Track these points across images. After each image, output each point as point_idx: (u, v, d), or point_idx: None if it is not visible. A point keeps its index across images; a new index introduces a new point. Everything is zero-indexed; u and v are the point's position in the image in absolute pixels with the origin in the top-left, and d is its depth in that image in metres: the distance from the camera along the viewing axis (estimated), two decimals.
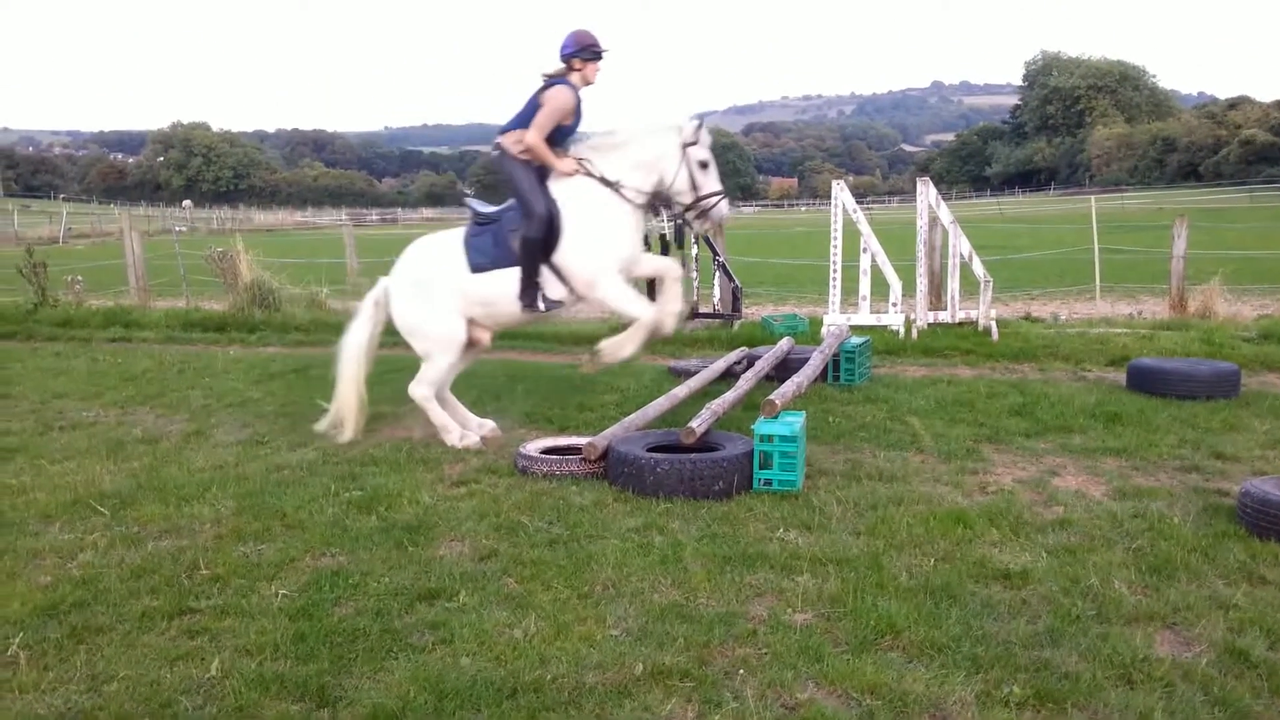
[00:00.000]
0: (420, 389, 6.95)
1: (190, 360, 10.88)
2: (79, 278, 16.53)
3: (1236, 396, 8.01)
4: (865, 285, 11.69)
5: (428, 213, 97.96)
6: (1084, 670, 3.46)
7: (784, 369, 8.42)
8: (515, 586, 4.28)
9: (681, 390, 7.40)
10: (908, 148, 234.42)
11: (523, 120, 6.65)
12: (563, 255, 6.57)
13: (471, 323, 6.91)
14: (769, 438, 5.61)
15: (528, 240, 6.49)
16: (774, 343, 9.70)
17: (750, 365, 8.44)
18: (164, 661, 3.64)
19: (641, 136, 6.64)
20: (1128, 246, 19.77)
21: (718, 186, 6.69)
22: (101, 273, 20.44)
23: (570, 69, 6.67)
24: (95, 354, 11.50)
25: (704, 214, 6.73)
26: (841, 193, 11.95)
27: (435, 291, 6.81)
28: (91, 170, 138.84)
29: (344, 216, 76.82)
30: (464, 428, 7.02)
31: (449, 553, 4.72)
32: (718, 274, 13.50)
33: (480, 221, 6.80)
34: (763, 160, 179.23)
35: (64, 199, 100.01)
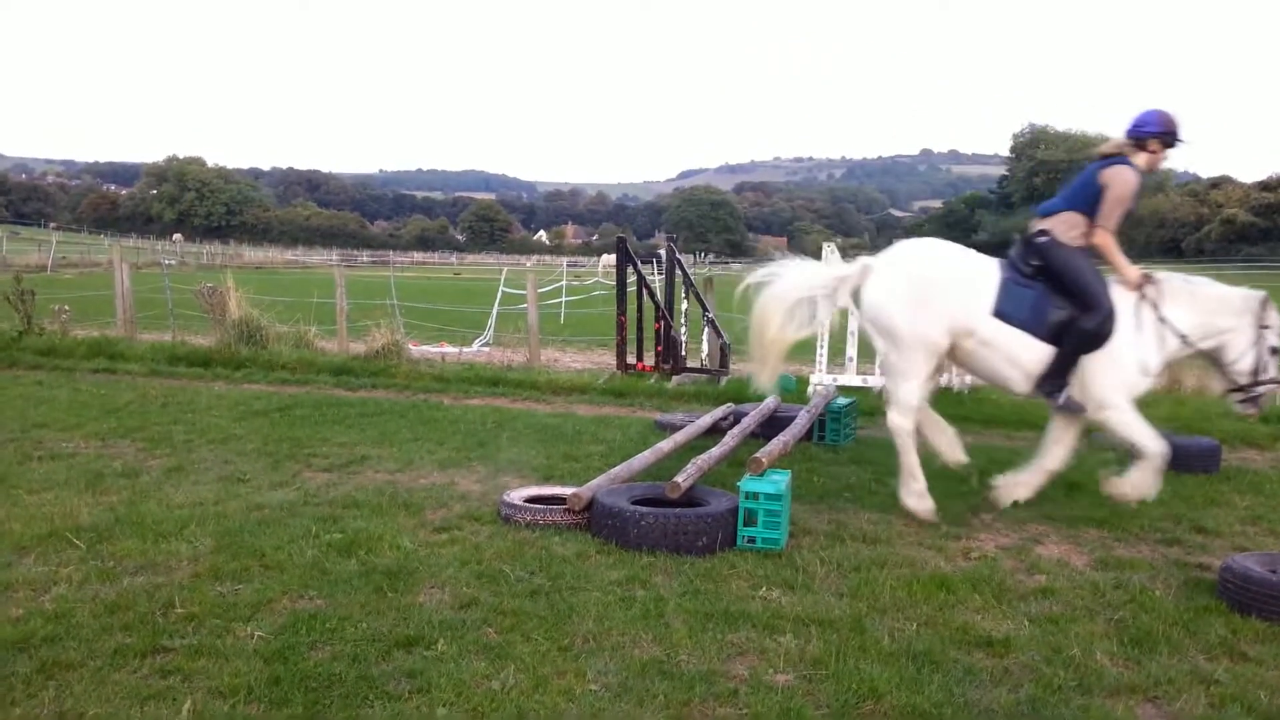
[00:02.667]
0: (898, 417, 6.44)
1: (174, 395, 10.82)
2: (66, 307, 16.46)
3: (1217, 471, 8.06)
4: (852, 347, 11.76)
5: (418, 256, 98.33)
6: None
7: (770, 426, 8.43)
8: (495, 637, 4.24)
9: (667, 444, 7.40)
10: (896, 213, 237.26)
11: (1074, 201, 6.25)
12: (1093, 362, 6.16)
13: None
14: (754, 495, 5.61)
15: (1083, 331, 6.03)
16: (760, 400, 9.72)
17: (736, 422, 8.45)
18: (135, 700, 3.58)
19: (1221, 297, 6.26)
20: None
21: (1278, 374, 6.26)
22: (88, 303, 20.36)
23: (1139, 148, 6.19)
24: (78, 384, 11.42)
25: (1252, 400, 6.33)
26: (832, 254, 12.07)
27: (937, 298, 6.21)
28: (83, 200, 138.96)
29: (335, 257, 76.99)
30: (954, 451, 6.67)
31: (429, 600, 4.67)
32: (707, 329, 13.57)
33: (1025, 272, 6.31)
34: (753, 219, 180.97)
35: (54, 227, 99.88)
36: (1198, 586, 5.16)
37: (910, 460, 6.46)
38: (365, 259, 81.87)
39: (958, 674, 3.99)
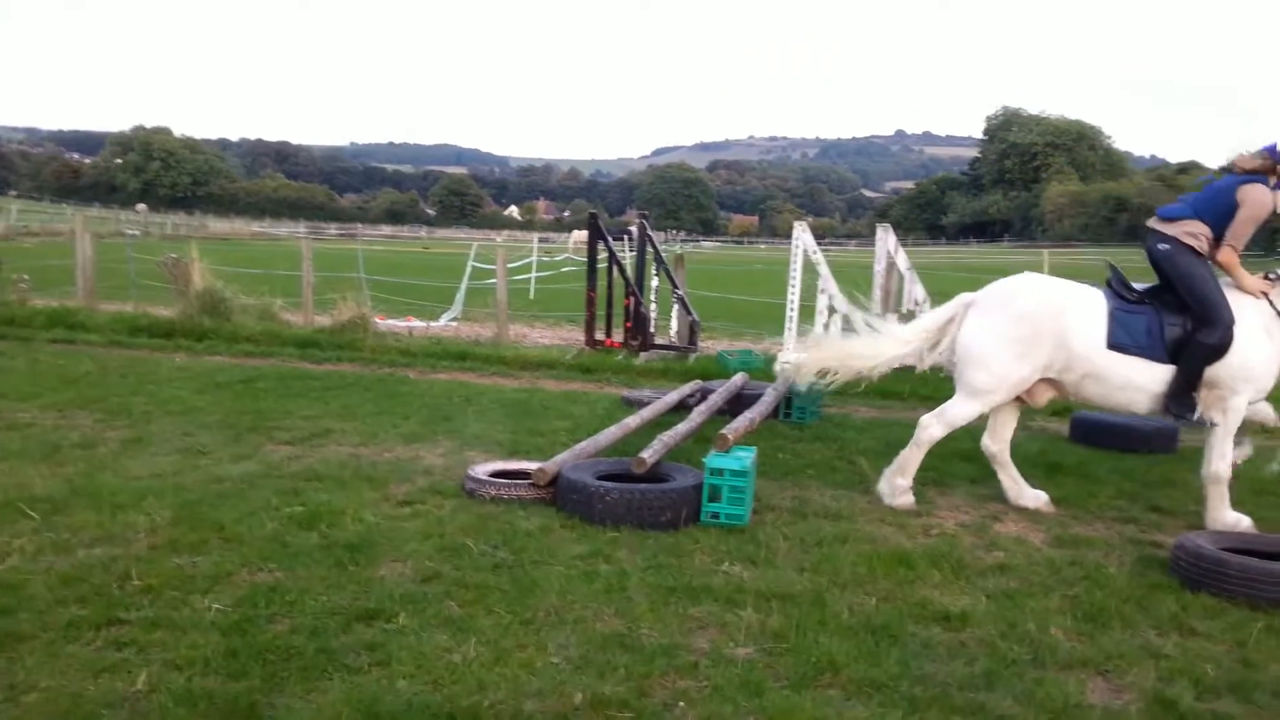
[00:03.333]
0: (936, 425, 6.35)
1: (134, 366, 10.67)
2: (25, 276, 16.17)
3: (1174, 452, 8.19)
4: (820, 325, 11.79)
5: (387, 230, 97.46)
6: (1018, 714, 3.50)
7: (737, 404, 8.46)
8: (457, 610, 4.23)
9: (634, 420, 7.40)
10: (868, 193, 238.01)
11: (1202, 211, 6.10)
12: (1216, 372, 5.96)
13: (1045, 383, 6.30)
14: (719, 471, 5.63)
15: (1204, 346, 5.85)
16: (728, 377, 9.75)
17: (704, 399, 8.47)
18: (88, 673, 3.54)
19: None
20: None
21: None
22: (48, 272, 20.01)
23: (1276, 170, 6.03)
24: (36, 355, 11.23)
25: None
26: (803, 234, 12.09)
27: (1048, 339, 6.05)
28: (46, 168, 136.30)
29: (302, 229, 76.13)
30: (1018, 496, 6.43)
31: (390, 573, 4.65)
32: (676, 307, 13.57)
33: (1130, 299, 6.13)
34: (725, 197, 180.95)
35: (15, 195, 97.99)
36: (1151, 564, 5.25)
37: (914, 460, 6.37)
38: (333, 232, 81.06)
39: (915, 647, 4.04)
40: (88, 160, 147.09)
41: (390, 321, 15.72)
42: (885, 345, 6.58)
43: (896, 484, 6.35)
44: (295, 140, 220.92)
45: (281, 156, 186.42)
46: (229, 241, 54.81)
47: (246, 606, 4.16)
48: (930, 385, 10.90)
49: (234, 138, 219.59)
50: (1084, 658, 4.02)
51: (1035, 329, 6.06)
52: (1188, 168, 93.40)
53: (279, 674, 3.58)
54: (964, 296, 6.50)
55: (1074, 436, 8.62)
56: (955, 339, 6.40)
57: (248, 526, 5.19)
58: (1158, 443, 8.18)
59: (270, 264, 20.82)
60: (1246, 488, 7.12)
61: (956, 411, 6.36)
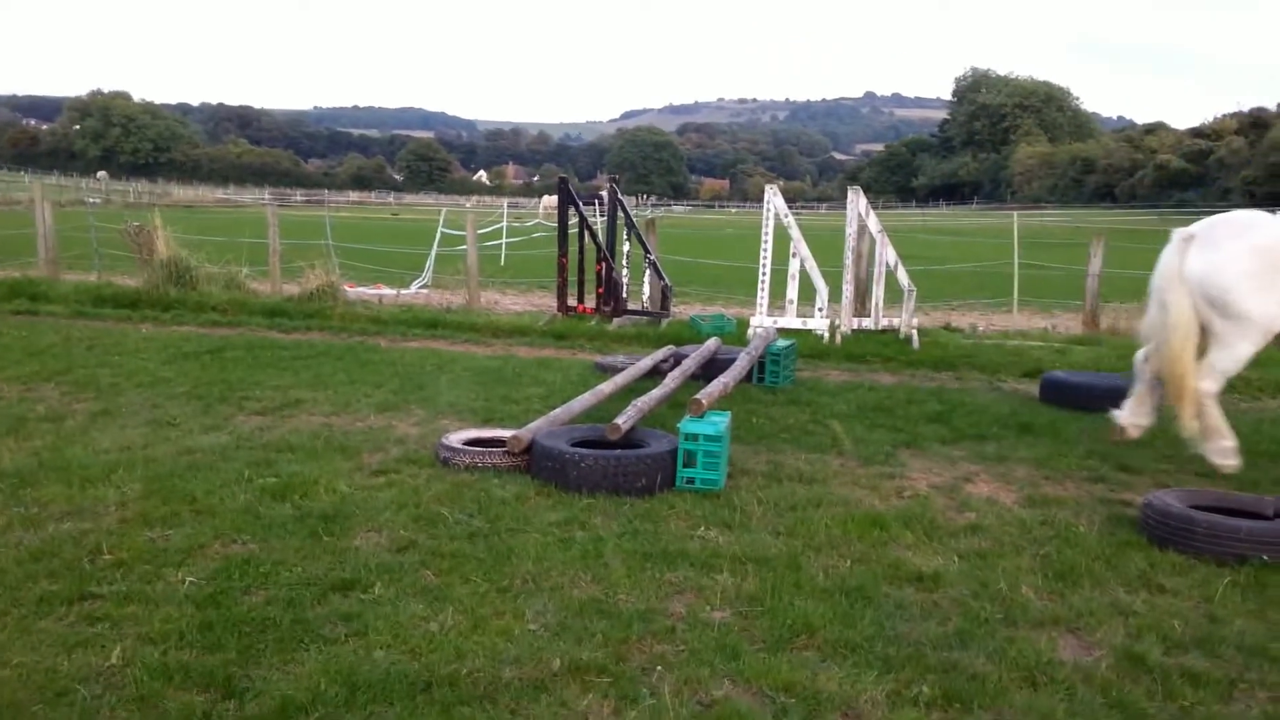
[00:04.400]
0: (1211, 381, 6.16)
1: (100, 337, 10.51)
2: None
3: None
4: (793, 289, 11.82)
5: (354, 195, 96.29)
6: (991, 672, 3.55)
7: (710, 369, 8.46)
8: (433, 579, 4.23)
9: (607, 386, 7.39)
10: (838, 155, 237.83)
11: None
12: None
13: None
14: (694, 436, 5.64)
15: None
16: (700, 342, 9.75)
17: (677, 364, 8.46)
18: (61, 648, 3.51)
19: None
20: (1045, 262, 20.33)
21: None
22: (7, 242, 19.64)
23: None
24: None
25: None
26: (774, 197, 12.07)
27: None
28: (2, 135, 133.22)
29: (267, 196, 75.05)
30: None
31: (365, 543, 4.64)
32: (648, 272, 13.53)
33: None
34: (696, 160, 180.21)
35: None
36: (1120, 522, 5.33)
37: (1217, 421, 6.29)
38: (299, 198, 79.99)
39: (889, 608, 4.09)
40: (45, 126, 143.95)
41: (360, 289, 15.59)
42: (1170, 306, 6.32)
43: (1223, 447, 6.31)
44: (258, 104, 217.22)
45: (244, 121, 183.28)
46: (193, 209, 53.94)
47: (220, 579, 4.13)
48: (892, 348, 10.98)
49: (195, 102, 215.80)
50: (1055, 615, 4.08)
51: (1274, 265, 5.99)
52: (1154, 129, 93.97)
53: (255, 646, 3.57)
54: (1183, 231, 6.40)
55: (1044, 397, 8.70)
56: (1192, 275, 6.24)
57: (220, 498, 5.15)
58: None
59: (236, 232, 20.53)
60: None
61: (1223, 362, 6.25)
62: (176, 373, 8.61)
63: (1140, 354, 6.72)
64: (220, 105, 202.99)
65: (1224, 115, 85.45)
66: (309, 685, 3.28)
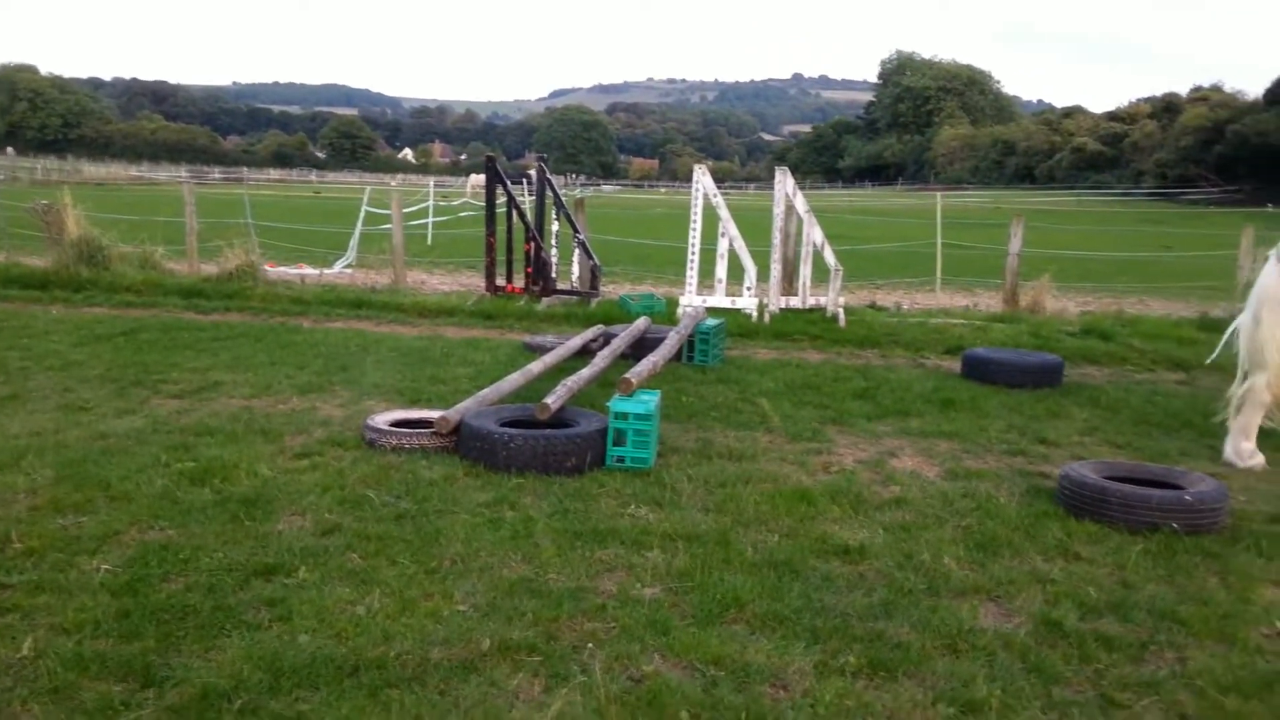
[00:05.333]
0: (1247, 444, 6.35)
1: (7, 319, 10.11)
2: None
3: (1059, 386, 8.54)
4: (722, 268, 11.88)
5: (275, 174, 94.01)
6: (914, 641, 3.62)
7: (640, 348, 8.47)
8: (359, 562, 4.16)
9: (537, 366, 7.35)
10: (766, 136, 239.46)
11: None
12: None
13: None
14: (624, 415, 5.64)
15: None
16: (630, 321, 9.75)
17: (607, 343, 8.46)
18: None
19: None
20: (967, 242, 20.75)
21: None
22: None
23: None
24: None
25: None
26: (703, 177, 12.09)
27: None
28: None
29: (184, 173, 72.86)
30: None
31: (289, 527, 4.54)
32: (577, 251, 13.47)
33: None
34: (625, 140, 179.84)
35: None
36: (1038, 493, 5.48)
37: (1254, 422, 6.40)
38: (217, 176, 77.79)
39: (816, 581, 4.15)
40: None
41: (281, 269, 15.23)
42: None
43: (1242, 447, 6.39)
44: (173, 80, 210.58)
45: (159, 97, 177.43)
46: (105, 187, 52.09)
47: (138, 566, 4.01)
48: (819, 326, 11.12)
49: (106, 77, 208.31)
50: (976, 585, 4.18)
51: None
52: (1072, 113, 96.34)
53: (174, 634, 3.48)
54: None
55: (966, 373, 8.90)
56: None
57: (136, 484, 5.00)
58: (1044, 377, 8.51)
59: (150, 210, 19.90)
60: (1127, 418, 7.49)
61: (1252, 419, 6.42)
62: (89, 355, 8.33)
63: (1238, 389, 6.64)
64: (134, 80, 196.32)
65: (1138, 100, 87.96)
66: (231, 672, 3.20)
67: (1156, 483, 5.24)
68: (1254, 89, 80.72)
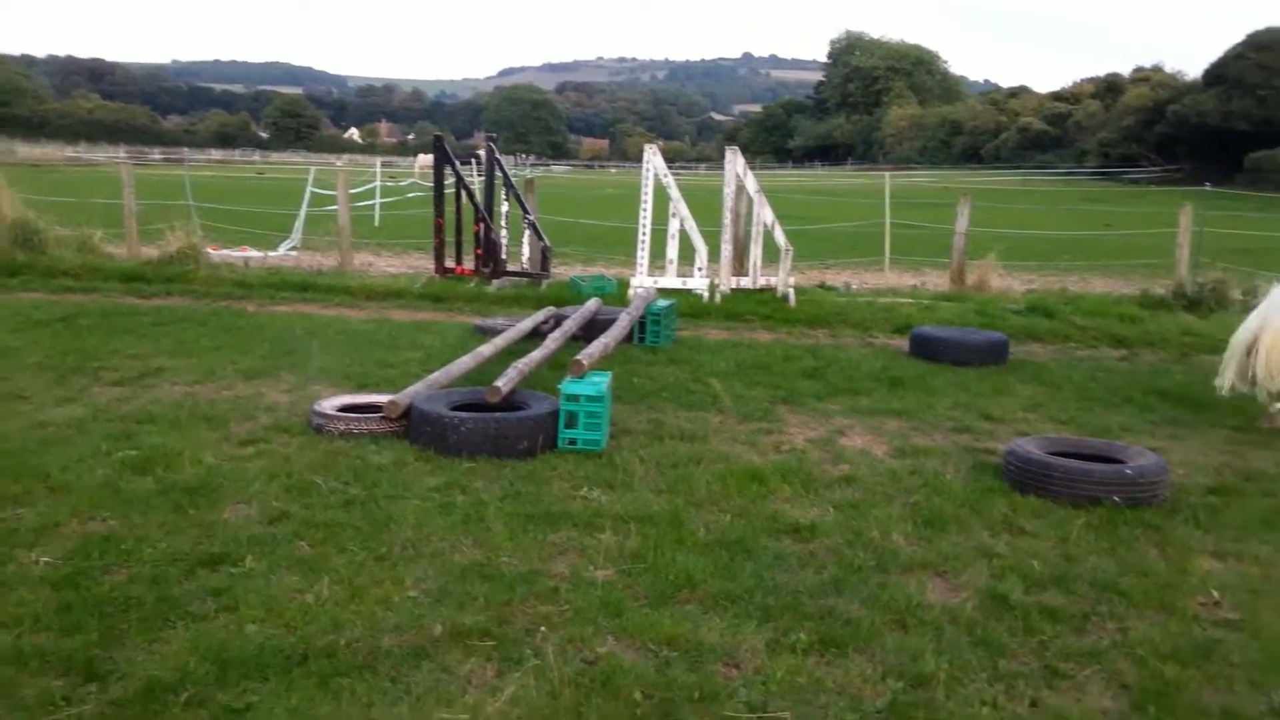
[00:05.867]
0: None
1: None
2: None
3: (1005, 363, 8.68)
4: (673, 249, 11.87)
5: (217, 154, 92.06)
6: (864, 617, 3.67)
7: (591, 329, 8.45)
8: (307, 550, 4.11)
9: (487, 349, 7.30)
10: (716, 116, 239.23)
11: None
12: None
13: None
14: (575, 397, 5.63)
15: None
16: (581, 303, 9.72)
17: (558, 325, 8.42)
18: None
19: None
20: (915, 221, 20.95)
21: None
22: None
23: None
24: None
25: None
26: (654, 157, 12.06)
27: None
28: None
29: (123, 154, 70.99)
30: None
31: (235, 516, 4.48)
32: (527, 232, 13.38)
33: None
34: (575, 119, 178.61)
35: None
36: (984, 469, 5.57)
37: None
38: (157, 157, 75.90)
39: (768, 560, 4.18)
40: None
41: (224, 252, 14.94)
42: None
43: None
44: (110, 57, 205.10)
45: (96, 75, 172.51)
46: (40, 168, 50.64)
47: (79, 558, 3.93)
48: (769, 306, 11.17)
49: (40, 54, 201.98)
50: (924, 560, 4.24)
51: None
52: (1018, 93, 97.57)
53: (118, 626, 3.41)
54: None
55: (913, 351, 9.00)
56: None
57: (76, 474, 4.89)
58: (989, 355, 8.64)
59: (88, 192, 19.40)
60: (1070, 394, 7.63)
61: None
62: (26, 342, 8.11)
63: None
64: (69, 58, 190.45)
65: (1082, 80, 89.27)
66: (177, 664, 3.15)
67: (1098, 457, 5.36)
68: (1193, 70, 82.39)
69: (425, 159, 34.42)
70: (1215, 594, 3.99)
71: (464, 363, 6.81)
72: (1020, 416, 6.92)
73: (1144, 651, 3.46)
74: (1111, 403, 7.41)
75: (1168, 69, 78.99)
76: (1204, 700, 3.17)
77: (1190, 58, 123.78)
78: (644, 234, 11.93)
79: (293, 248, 16.83)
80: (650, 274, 11.87)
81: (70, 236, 13.39)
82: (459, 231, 12.93)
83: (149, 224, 14.23)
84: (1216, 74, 62.40)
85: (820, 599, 3.82)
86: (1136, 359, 9.38)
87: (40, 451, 5.22)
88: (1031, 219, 27.59)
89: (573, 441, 5.64)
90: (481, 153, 13.94)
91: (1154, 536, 4.59)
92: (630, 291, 11.39)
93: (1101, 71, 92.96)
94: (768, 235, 11.93)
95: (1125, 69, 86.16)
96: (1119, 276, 16.23)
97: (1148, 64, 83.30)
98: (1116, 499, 4.88)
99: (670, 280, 11.76)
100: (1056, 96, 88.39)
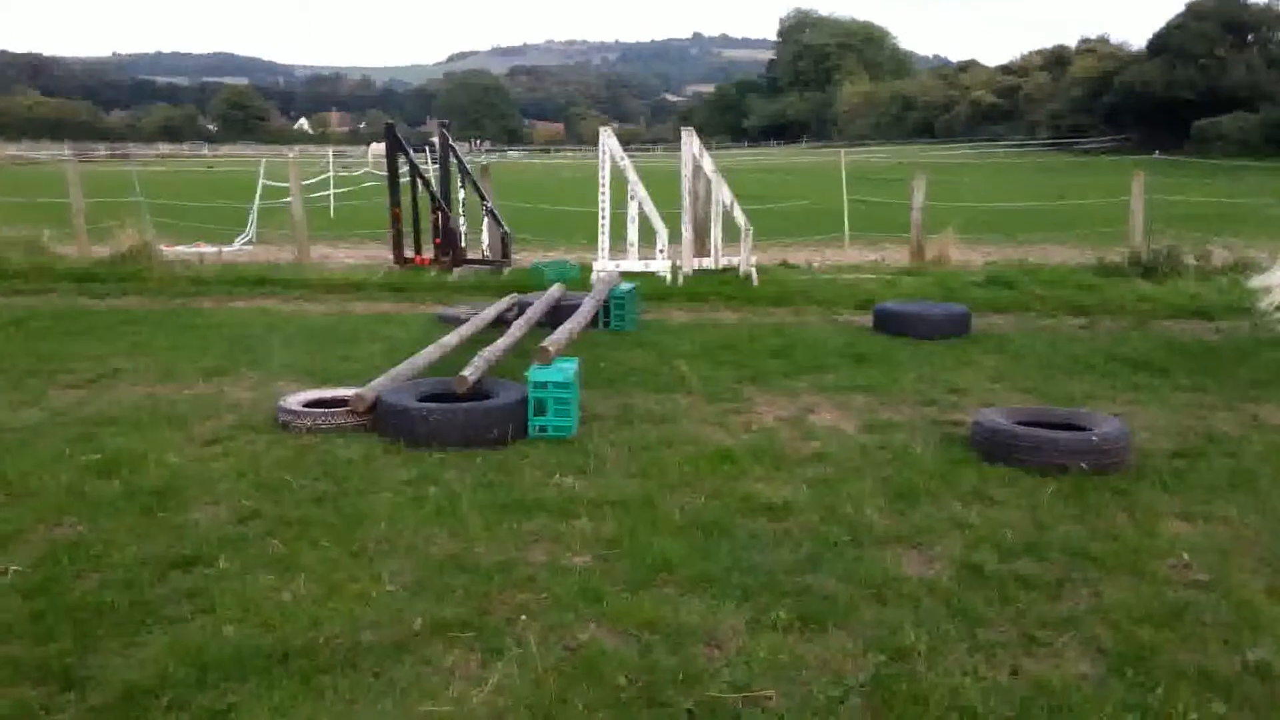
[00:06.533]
0: None
1: None
2: None
3: (967, 335, 8.77)
4: (633, 232, 11.86)
5: (165, 148, 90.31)
6: (842, 592, 3.70)
7: (556, 315, 8.41)
8: (281, 548, 4.07)
9: (452, 338, 7.25)
10: (670, 97, 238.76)
11: None
12: None
13: None
14: (543, 384, 5.61)
15: None
16: (544, 289, 9.67)
17: (522, 312, 8.38)
18: None
19: None
20: (872, 197, 21.09)
21: None
22: None
23: None
24: None
25: None
26: (609, 140, 12.02)
27: None
28: None
29: (67, 150, 69.44)
30: None
31: (204, 516, 4.41)
32: (486, 220, 13.28)
33: None
34: (528, 104, 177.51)
35: None
36: (952, 441, 5.63)
37: None
38: (102, 153, 74.35)
39: (743, 539, 4.20)
40: None
41: (178, 248, 14.69)
42: None
43: None
44: (48, 52, 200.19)
45: (34, 70, 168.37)
46: None
47: (48, 565, 3.85)
48: (732, 286, 11.20)
49: None
50: (898, 534, 4.28)
51: None
52: (967, 66, 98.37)
53: (92, 632, 3.35)
54: None
55: (877, 327, 9.07)
56: None
57: (39, 479, 4.79)
58: (952, 327, 8.73)
59: (32, 191, 18.97)
60: (1033, 364, 7.73)
61: None
62: None
63: None
64: (4, 53, 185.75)
65: (1030, 52, 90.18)
66: (155, 669, 3.11)
67: (1064, 425, 5.44)
68: (1137, 40, 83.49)
69: (378, 147, 34.00)
70: (1185, 556, 4.06)
71: (429, 353, 6.75)
72: (985, 387, 7.00)
73: (1118, 615, 3.52)
74: (1074, 370, 7.52)
75: (1113, 40, 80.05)
76: (1179, 661, 3.23)
77: (1133, 28, 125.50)
78: (604, 218, 11.90)
79: (248, 242, 16.59)
80: (612, 258, 11.85)
81: (17, 237, 13.13)
82: (416, 221, 12.81)
83: (98, 222, 13.95)
84: (1160, 44, 63.37)
85: (797, 576, 3.85)
86: (1096, 326, 9.52)
87: (0, 457, 5.11)
88: (987, 192, 27.87)
89: (543, 429, 5.62)
90: (435, 140, 13.81)
91: (1122, 501, 4.67)
92: (593, 276, 11.36)
93: (1049, 44, 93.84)
94: (727, 215, 11.95)
95: (1071, 40, 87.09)
96: (1075, 246, 16.45)
97: (1093, 35, 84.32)
98: (1084, 466, 4.96)
99: (632, 263, 11.74)
100: (1006, 70, 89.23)
